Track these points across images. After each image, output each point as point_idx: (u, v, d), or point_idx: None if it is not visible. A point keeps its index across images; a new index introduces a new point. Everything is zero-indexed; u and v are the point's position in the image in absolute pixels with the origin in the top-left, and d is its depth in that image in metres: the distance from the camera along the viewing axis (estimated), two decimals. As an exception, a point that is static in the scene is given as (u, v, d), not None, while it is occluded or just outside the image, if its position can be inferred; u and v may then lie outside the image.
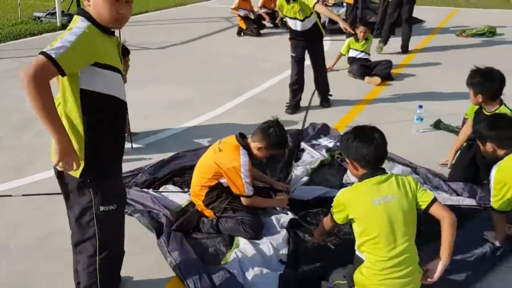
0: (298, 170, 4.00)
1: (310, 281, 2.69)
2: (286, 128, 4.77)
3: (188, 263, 2.79)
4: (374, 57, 7.30)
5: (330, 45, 8.37)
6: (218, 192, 3.20)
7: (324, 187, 3.69)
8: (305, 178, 3.87)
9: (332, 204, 2.53)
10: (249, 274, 2.76)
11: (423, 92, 6.13)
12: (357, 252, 2.47)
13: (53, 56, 1.81)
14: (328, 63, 6.27)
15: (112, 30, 2.13)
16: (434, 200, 2.40)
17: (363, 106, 5.79)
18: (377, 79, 6.65)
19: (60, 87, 2.05)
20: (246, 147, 3.17)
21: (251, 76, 6.95)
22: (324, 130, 4.88)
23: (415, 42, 8.70)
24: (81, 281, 2.37)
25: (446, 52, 8.28)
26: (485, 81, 3.53)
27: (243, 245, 3.02)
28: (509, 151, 2.95)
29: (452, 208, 3.34)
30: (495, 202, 2.92)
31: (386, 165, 3.94)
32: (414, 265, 2.39)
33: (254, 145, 3.19)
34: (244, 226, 3.09)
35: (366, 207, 2.35)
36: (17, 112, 5.50)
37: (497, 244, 2.99)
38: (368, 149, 2.37)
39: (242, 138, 3.22)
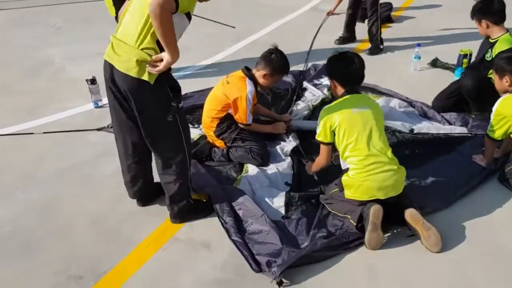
0: (300, 105, 4.23)
1: (313, 197, 3.00)
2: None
3: (203, 180, 3.11)
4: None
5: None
6: (228, 124, 3.44)
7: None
8: (306, 113, 4.10)
9: (317, 132, 2.85)
10: (258, 192, 3.06)
11: (421, 33, 6.23)
12: (341, 163, 2.82)
13: None
14: (330, 7, 6.36)
15: None
16: None
17: (363, 47, 5.92)
18: (377, 22, 6.74)
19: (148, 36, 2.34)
20: (252, 78, 3.38)
21: (252, 21, 7.03)
22: (325, 70, 5.05)
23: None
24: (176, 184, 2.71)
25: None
26: (485, 5, 3.80)
27: (252, 171, 3.29)
28: None
29: (445, 135, 3.65)
30: (491, 131, 3.15)
31: (384, 99, 4.21)
32: (394, 164, 2.72)
33: (259, 74, 3.41)
34: (253, 154, 3.35)
35: (347, 115, 2.73)
36: (23, 59, 5.69)
37: (484, 165, 3.26)
38: (347, 70, 2.81)
39: (247, 71, 3.43)
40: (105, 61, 2.51)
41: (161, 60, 2.33)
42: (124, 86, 2.43)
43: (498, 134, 3.12)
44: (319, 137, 2.85)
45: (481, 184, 3.16)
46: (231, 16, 7.36)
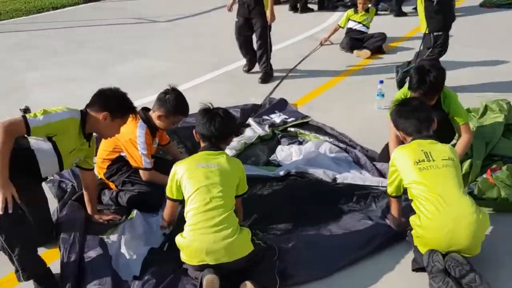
0: (232, 143, 3.94)
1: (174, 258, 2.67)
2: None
3: (68, 228, 2.87)
4: (373, 30, 6.83)
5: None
6: (119, 166, 3.24)
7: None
8: (231, 152, 3.80)
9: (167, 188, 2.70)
10: (125, 245, 2.81)
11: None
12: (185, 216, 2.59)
13: (30, 125, 2.47)
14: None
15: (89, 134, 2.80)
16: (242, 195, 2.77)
17: (338, 80, 5.56)
18: (367, 52, 6.35)
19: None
20: (146, 120, 3.17)
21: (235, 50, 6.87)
22: (281, 105, 4.76)
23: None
24: None
25: (462, 25, 7.64)
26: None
27: (136, 218, 3.04)
28: (414, 138, 2.78)
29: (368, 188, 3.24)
30: (388, 185, 2.82)
31: (314, 143, 3.86)
32: (232, 225, 2.45)
33: (154, 115, 3.20)
34: (140, 199, 3.12)
35: (191, 168, 2.60)
36: (6, 81, 5.84)
37: (391, 225, 2.86)
38: (205, 128, 2.73)
39: (144, 112, 3.23)
40: None
41: None
42: None
43: (391, 189, 2.77)
44: (167, 190, 2.67)
45: (380, 249, 2.74)
46: (226, 44, 7.24)
